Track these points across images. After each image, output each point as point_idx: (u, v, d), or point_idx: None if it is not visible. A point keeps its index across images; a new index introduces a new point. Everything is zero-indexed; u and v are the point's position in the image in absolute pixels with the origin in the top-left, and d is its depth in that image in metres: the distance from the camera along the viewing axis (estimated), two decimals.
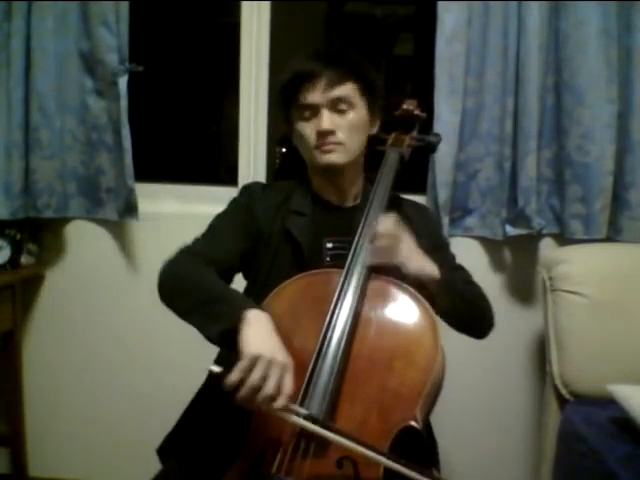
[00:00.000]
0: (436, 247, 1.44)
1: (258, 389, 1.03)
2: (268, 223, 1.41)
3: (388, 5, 2.59)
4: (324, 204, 1.45)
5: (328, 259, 1.37)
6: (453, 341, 1.90)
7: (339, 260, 1.31)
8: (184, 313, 1.20)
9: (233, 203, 1.47)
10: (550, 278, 1.93)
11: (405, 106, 1.59)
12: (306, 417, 1.08)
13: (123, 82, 2.09)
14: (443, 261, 1.40)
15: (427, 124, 2.08)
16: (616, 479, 1.40)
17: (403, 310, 1.24)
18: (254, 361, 1.03)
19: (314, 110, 1.37)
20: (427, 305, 1.23)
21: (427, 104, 2.07)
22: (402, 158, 1.49)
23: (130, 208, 2.17)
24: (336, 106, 1.37)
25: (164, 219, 2.23)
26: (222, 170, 2.63)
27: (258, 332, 1.08)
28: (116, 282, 2.27)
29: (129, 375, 2.30)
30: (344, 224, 1.37)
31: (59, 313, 2.32)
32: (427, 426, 1.43)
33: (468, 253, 2.17)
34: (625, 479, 1.39)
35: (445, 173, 2.05)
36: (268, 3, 2.25)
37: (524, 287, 2.20)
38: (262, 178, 2.28)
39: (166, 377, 2.23)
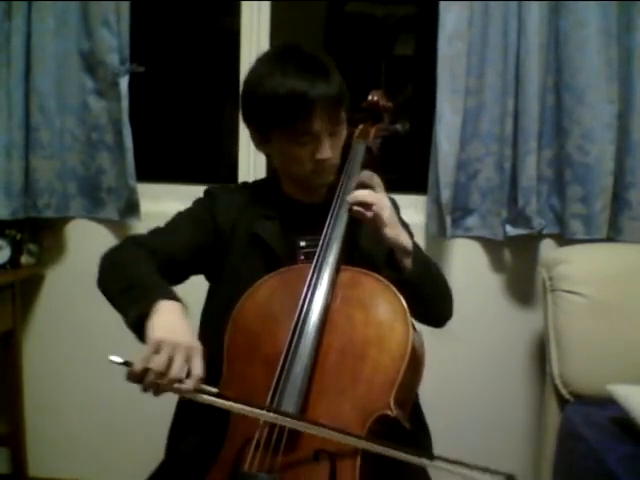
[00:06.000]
0: None
1: (163, 373, 1.04)
2: (230, 225, 1.38)
3: (388, 5, 2.58)
4: (294, 203, 1.42)
5: (302, 257, 1.35)
6: (453, 341, 1.91)
7: (313, 257, 1.29)
8: (111, 298, 1.23)
9: (195, 202, 1.45)
10: (550, 278, 1.93)
11: (370, 97, 1.55)
12: (272, 410, 1.09)
13: (124, 82, 2.10)
14: None
15: (427, 122, 2.09)
16: (616, 479, 1.41)
17: (374, 298, 1.23)
18: (158, 346, 1.05)
19: (313, 136, 1.30)
20: (397, 291, 1.22)
21: (428, 104, 2.08)
22: (369, 150, 1.47)
23: (131, 208, 2.17)
24: (334, 131, 1.33)
25: (165, 219, 2.21)
26: (223, 170, 2.63)
27: (165, 320, 1.09)
28: None
29: None
30: (316, 221, 1.33)
31: (59, 313, 2.32)
32: (418, 419, 1.42)
33: (468, 253, 2.18)
34: (625, 479, 1.39)
35: (447, 173, 2.05)
36: (268, 3, 2.25)
37: (524, 287, 2.20)
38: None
39: None
